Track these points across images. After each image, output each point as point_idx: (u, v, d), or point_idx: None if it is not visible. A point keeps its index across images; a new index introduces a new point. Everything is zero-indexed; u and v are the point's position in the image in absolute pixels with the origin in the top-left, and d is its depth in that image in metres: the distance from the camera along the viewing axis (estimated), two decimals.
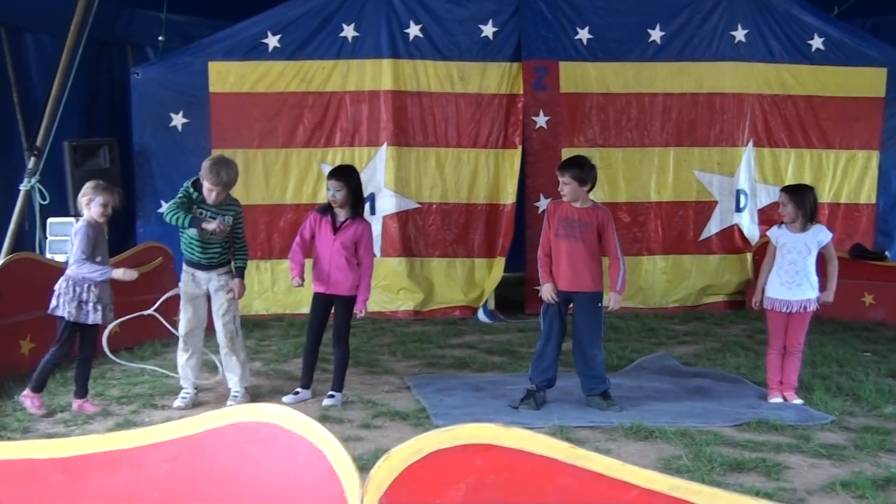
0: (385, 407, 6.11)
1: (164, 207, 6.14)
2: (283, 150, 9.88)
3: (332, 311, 6.38)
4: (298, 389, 6.37)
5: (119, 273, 5.88)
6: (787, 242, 6.25)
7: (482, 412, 5.94)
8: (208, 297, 6.32)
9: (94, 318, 5.90)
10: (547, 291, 6.14)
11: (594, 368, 6.15)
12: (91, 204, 5.92)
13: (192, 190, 6.06)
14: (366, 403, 6.23)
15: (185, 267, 6.28)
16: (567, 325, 6.26)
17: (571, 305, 6.21)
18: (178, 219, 5.91)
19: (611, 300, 6.08)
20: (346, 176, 6.31)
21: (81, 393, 6.05)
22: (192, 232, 6.04)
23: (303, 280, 6.27)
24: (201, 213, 6.06)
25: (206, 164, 6.03)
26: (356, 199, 6.31)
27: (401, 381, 6.94)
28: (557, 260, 6.14)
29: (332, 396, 6.25)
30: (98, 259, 5.92)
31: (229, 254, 6.30)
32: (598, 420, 5.83)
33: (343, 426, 5.65)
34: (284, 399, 6.23)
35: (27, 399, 5.90)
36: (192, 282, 6.24)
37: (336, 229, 6.23)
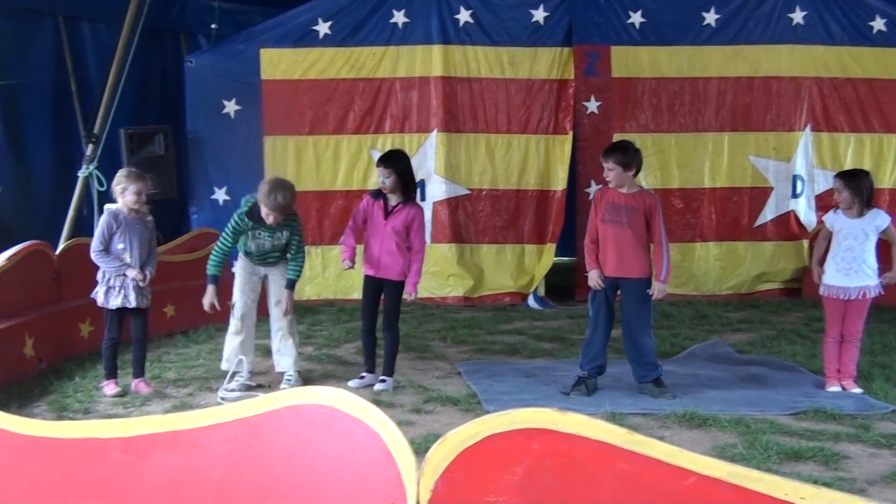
0: (436, 392, 6.13)
1: (215, 248, 6.31)
2: (334, 137, 9.92)
3: (383, 295, 6.40)
4: (364, 374, 6.41)
5: (132, 273, 6.00)
6: (844, 228, 6.13)
7: (533, 398, 5.92)
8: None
9: (113, 302, 6.01)
10: (593, 278, 6.10)
11: (645, 355, 6.09)
12: (125, 192, 6.03)
13: (245, 220, 6.14)
14: (417, 388, 6.26)
15: (241, 254, 6.36)
16: (616, 311, 6.21)
17: (620, 292, 6.16)
18: (210, 265, 6.24)
19: (655, 289, 6.01)
20: (394, 161, 6.31)
21: (136, 373, 6.21)
22: (253, 247, 6.23)
23: (353, 263, 6.31)
24: (259, 234, 6.16)
25: (262, 187, 6.03)
26: (406, 184, 6.30)
27: (451, 366, 6.95)
28: (604, 246, 6.10)
29: (383, 381, 6.28)
30: (120, 246, 6.02)
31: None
32: (651, 407, 5.78)
33: (394, 410, 5.67)
34: (350, 383, 6.28)
35: (104, 387, 6.09)
36: (249, 266, 6.31)
37: (387, 214, 6.25)
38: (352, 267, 6.32)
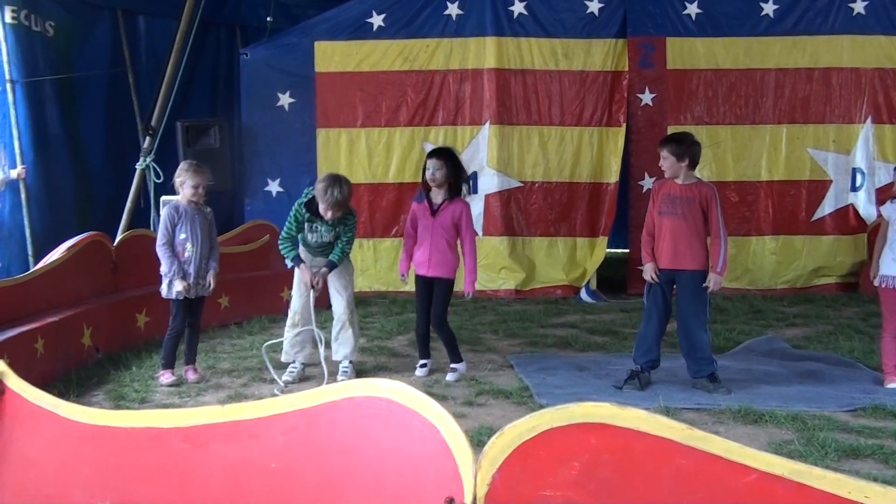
0: (488, 385, 6.12)
1: (281, 235, 6.30)
2: (387, 129, 9.97)
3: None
4: (425, 362, 6.45)
5: (180, 286, 6.04)
6: None
7: (586, 392, 5.88)
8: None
9: (168, 293, 6.09)
10: (648, 271, 6.04)
11: (700, 350, 6.01)
12: (183, 185, 6.13)
13: (304, 211, 6.17)
14: (469, 381, 6.25)
15: (300, 246, 6.42)
16: (672, 305, 6.14)
17: (676, 286, 6.10)
18: (285, 252, 6.24)
19: (710, 281, 5.92)
20: (448, 156, 6.32)
21: (187, 360, 6.31)
22: (311, 239, 6.26)
23: (405, 278, 6.41)
24: (316, 227, 6.20)
25: (319, 185, 6.04)
26: (455, 181, 6.31)
27: (503, 359, 6.94)
28: (660, 238, 6.03)
29: (454, 370, 6.32)
30: (182, 236, 6.11)
31: None
32: (705, 402, 5.71)
33: (447, 403, 5.67)
34: (417, 374, 6.36)
35: (160, 376, 6.18)
36: (308, 258, 6.36)
37: (434, 212, 6.26)
38: (404, 282, 6.45)
